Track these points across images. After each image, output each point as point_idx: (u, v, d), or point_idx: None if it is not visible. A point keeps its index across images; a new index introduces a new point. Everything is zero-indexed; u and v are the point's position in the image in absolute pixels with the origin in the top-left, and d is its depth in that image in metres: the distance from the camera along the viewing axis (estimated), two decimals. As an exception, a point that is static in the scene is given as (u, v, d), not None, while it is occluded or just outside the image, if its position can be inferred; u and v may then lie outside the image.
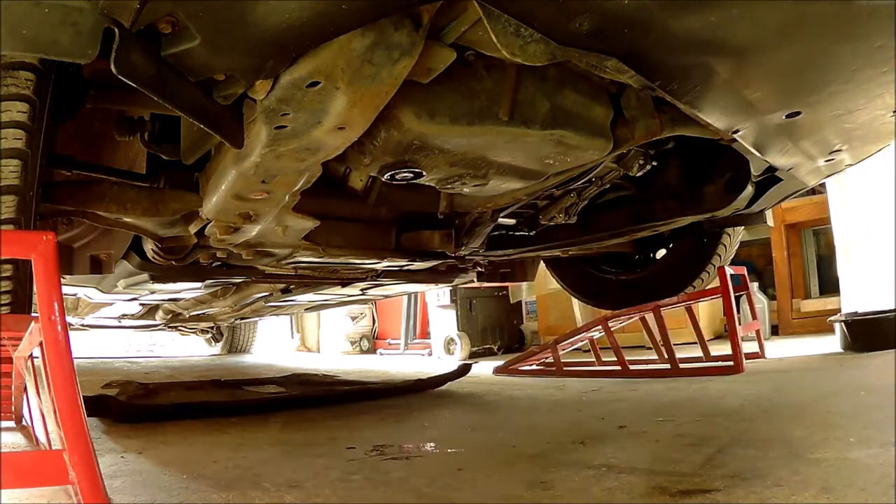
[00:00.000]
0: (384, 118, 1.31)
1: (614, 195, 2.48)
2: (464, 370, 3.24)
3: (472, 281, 3.26)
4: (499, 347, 5.39)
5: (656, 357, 3.30)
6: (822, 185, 3.49)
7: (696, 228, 2.75)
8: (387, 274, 2.77)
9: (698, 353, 3.16)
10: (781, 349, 3.65)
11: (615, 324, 3.33)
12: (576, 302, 4.72)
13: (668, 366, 3.00)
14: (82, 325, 4.41)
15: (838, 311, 3.51)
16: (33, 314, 1.08)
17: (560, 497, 1.20)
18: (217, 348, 6.44)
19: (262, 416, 2.42)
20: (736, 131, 1.58)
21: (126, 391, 2.72)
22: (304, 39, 1.02)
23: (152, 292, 2.85)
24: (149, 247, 2.04)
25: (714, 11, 1.06)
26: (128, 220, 1.75)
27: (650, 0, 1.02)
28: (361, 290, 3.20)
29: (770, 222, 2.67)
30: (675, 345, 3.06)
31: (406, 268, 2.57)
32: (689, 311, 3.21)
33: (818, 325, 4.12)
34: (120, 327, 4.81)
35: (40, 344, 0.96)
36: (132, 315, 3.90)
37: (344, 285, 2.95)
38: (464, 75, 1.33)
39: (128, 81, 0.96)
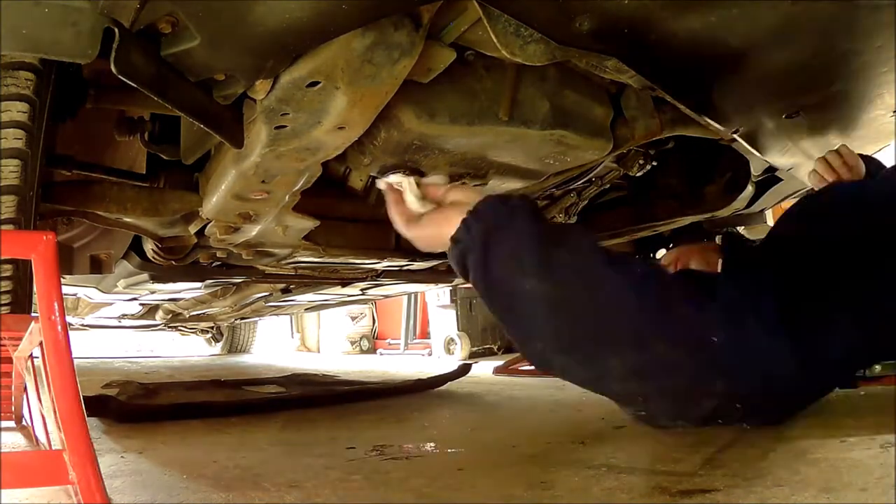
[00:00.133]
0: (384, 118, 1.31)
1: (614, 195, 2.48)
2: (464, 370, 3.24)
3: (472, 281, 3.25)
4: (499, 347, 5.39)
5: (656, 357, 3.29)
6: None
7: (696, 228, 2.75)
8: (387, 274, 2.76)
9: (698, 353, 3.15)
10: (781, 349, 3.63)
11: (615, 324, 3.32)
12: (576, 302, 4.71)
13: (668, 366, 2.99)
14: (82, 325, 4.41)
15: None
16: (33, 314, 1.08)
17: (560, 497, 1.20)
18: (217, 348, 6.43)
19: (262, 416, 2.42)
20: (736, 131, 1.58)
21: (126, 391, 2.72)
22: (304, 39, 1.02)
23: (152, 292, 2.85)
24: (149, 247, 2.04)
25: (714, 11, 1.06)
26: (128, 220, 1.75)
27: (650, 0, 1.02)
28: (361, 290, 3.20)
29: (770, 222, 2.67)
30: (675, 345, 3.05)
31: (406, 268, 2.56)
32: (689, 311, 3.20)
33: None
34: (120, 327, 4.81)
35: (40, 344, 0.95)
36: (132, 315, 3.90)
37: (344, 285, 2.95)
38: (464, 75, 1.33)
39: (128, 81, 0.96)
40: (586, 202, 2.27)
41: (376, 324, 6.51)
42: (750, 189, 2.16)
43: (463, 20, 1.13)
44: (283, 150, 1.31)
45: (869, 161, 1.63)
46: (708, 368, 0.87)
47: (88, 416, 0.91)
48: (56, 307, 0.90)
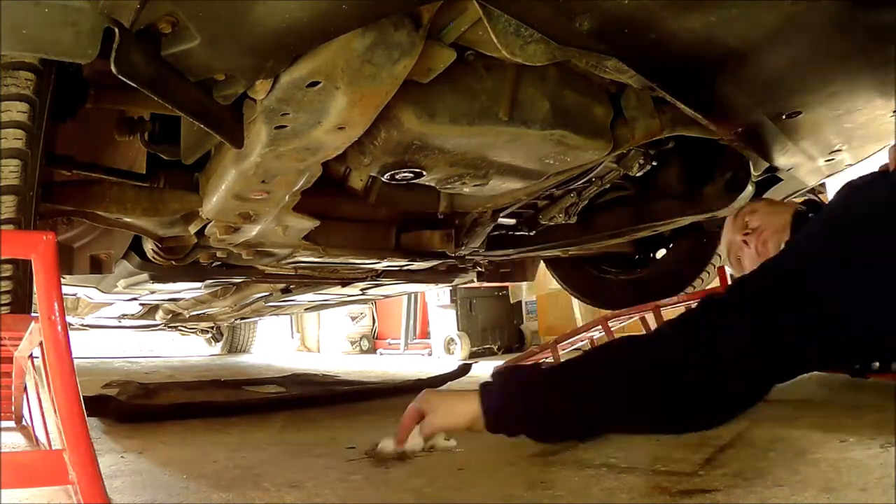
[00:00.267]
0: (384, 118, 1.31)
1: (614, 195, 2.48)
2: (464, 370, 3.24)
3: (472, 281, 3.25)
4: (499, 347, 5.39)
5: (656, 357, 3.29)
6: (822, 185, 3.48)
7: (696, 228, 2.75)
8: (387, 274, 2.76)
9: (698, 353, 3.15)
10: (781, 349, 3.63)
11: (615, 324, 3.32)
12: (576, 302, 4.72)
13: (668, 366, 2.99)
14: (82, 325, 4.41)
15: (838, 311, 3.50)
16: (33, 314, 1.08)
17: (560, 497, 1.20)
18: (217, 348, 6.43)
19: (262, 416, 2.42)
20: (736, 131, 1.58)
21: (126, 391, 2.72)
22: (304, 39, 1.02)
23: (152, 292, 2.85)
24: (149, 247, 2.04)
25: (714, 11, 1.06)
26: (128, 220, 1.75)
27: (650, 0, 1.02)
28: (361, 289, 3.20)
29: (770, 222, 2.67)
30: (675, 345, 3.05)
31: (406, 268, 2.56)
32: (690, 310, 3.20)
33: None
34: (120, 327, 4.81)
35: (40, 344, 0.95)
36: (132, 315, 3.90)
37: (344, 285, 2.95)
38: (464, 75, 1.33)
39: (128, 81, 0.96)
40: (586, 202, 2.27)
41: (376, 324, 6.51)
42: (750, 189, 2.16)
43: (463, 20, 1.13)
44: (283, 150, 1.31)
45: None
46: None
47: (88, 416, 0.91)
48: (56, 307, 0.90)
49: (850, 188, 1.08)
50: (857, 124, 1.64)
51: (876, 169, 1.23)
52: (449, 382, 3.08)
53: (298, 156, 1.36)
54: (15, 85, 1.23)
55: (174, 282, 2.41)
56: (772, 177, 2.11)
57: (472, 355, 5.04)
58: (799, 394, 2.22)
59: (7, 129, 1.23)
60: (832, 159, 1.93)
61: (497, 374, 1.03)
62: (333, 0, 0.93)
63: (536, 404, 0.96)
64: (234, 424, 2.23)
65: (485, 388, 0.99)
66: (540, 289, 5.30)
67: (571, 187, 2.06)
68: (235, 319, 4.99)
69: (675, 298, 3.05)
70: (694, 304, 0.97)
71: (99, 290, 2.60)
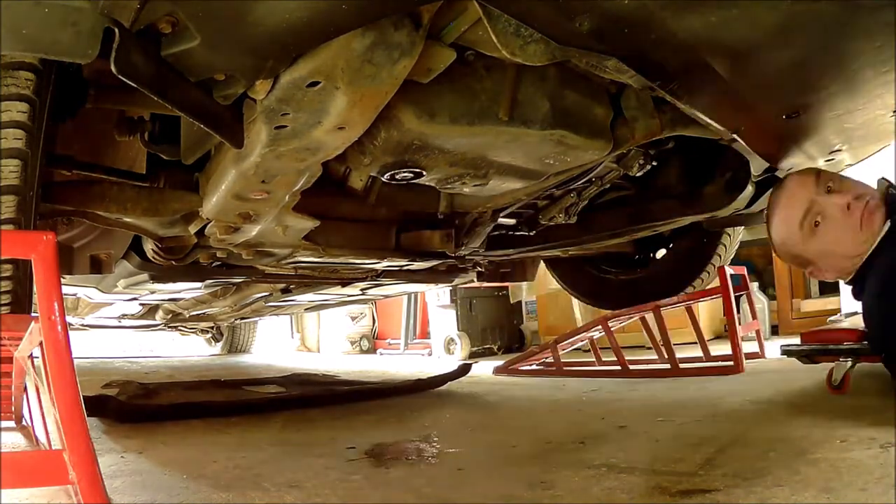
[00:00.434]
0: (384, 118, 1.31)
1: (614, 195, 2.48)
2: (464, 370, 3.24)
3: (472, 281, 3.25)
4: (499, 347, 5.39)
5: (656, 357, 3.29)
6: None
7: (697, 228, 2.75)
8: (387, 274, 2.76)
9: (698, 353, 3.16)
10: (781, 349, 3.64)
11: (615, 324, 3.33)
12: (576, 302, 4.72)
13: (668, 366, 3.00)
14: (82, 325, 4.41)
15: (838, 310, 3.51)
16: (33, 314, 1.08)
17: (560, 497, 1.20)
18: (217, 348, 6.43)
19: (262, 416, 2.42)
20: (736, 131, 1.58)
21: (126, 391, 2.72)
22: (304, 39, 1.02)
23: (152, 292, 2.85)
24: (149, 247, 2.04)
25: (714, 11, 1.06)
26: (128, 220, 1.75)
27: (650, 0, 1.02)
28: (361, 290, 3.20)
29: (770, 222, 2.67)
30: (675, 345, 3.05)
31: (406, 268, 2.56)
32: (689, 311, 3.21)
33: (818, 325, 4.11)
34: (120, 327, 4.81)
35: (40, 344, 0.95)
36: (132, 315, 3.90)
37: (344, 285, 2.95)
38: (464, 75, 1.33)
39: (128, 81, 0.96)
40: (586, 202, 2.27)
41: (376, 324, 6.50)
42: (750, 189, 2.16)
43: (463, 20, 1.13)
44: (283, 150, 1.31)
45: None
46: None
47: (88, 416, 0.91)
48: (56, 307, 0.90)
49: None
50: (857, 124, 1.64)
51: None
52: (449, 382, 3.08)
53: (298, 156, 1.36)
54: (15, 85, 1.23)
55: (174, 282, 2.41)
56: (772, 177, 2.11)
57: (472, 355, 5.04)
58: (799, 394, 2.22)
59: (7, 129, 1.23)
60: (832, 159, 1.93)
61: None
62: (333, 0, 0.93)
63: None
64: (234, 424, 2.23)
65: None
66: (540, 289, 5.29)
67: (571, 187, 2.06)
68: (235, 319, 4.99)
69: (675, 298, 3.06)
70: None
71: (99, 290, 2.60)
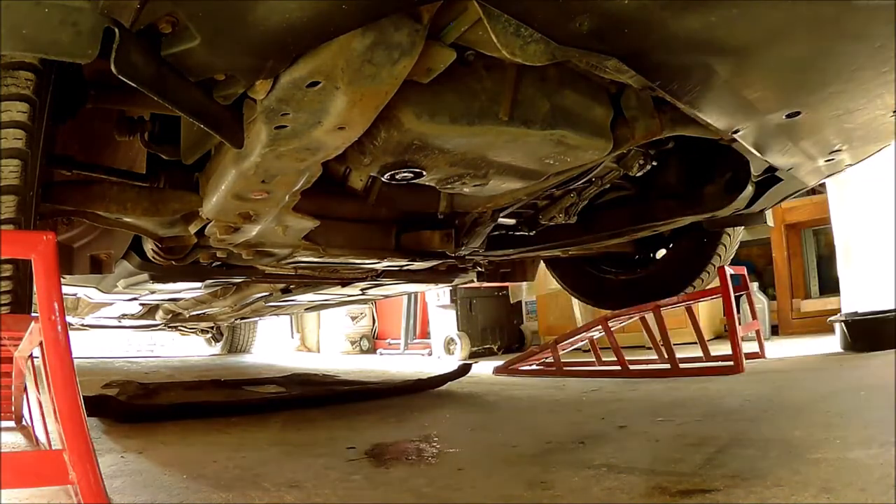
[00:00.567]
0: (384, 118, 1.31)
1: (614, 195, 2.48)
2: (464, 370, 3.24)
3: (472, 281, 3.26)
4: (499, 347, 5.39)
5: (656, 357, 3.30)
6: (822, 185, 3.49)
7: (696, 228, 2.75)
8: (387, 274, 2.76)
9: (698, 353, 3.16)
10: (781, 349, 3.65)
11: (615, 324, 3.33)
12: (576, 302, 4.72)
13: (668, 366, 3.00)
14: (82, 325, 4.41)
15: (838, 311, 3.51)
16: (33, 314, 1.08)
17: (560, 497, 1.20)
18: (217, 348, 6.43)
19: (262, 416, 2.42)
20: (736, 131, 1.58)
21: (126, 391, 2.72)
22: (304, 39, 1.02)
23: (152, 292, 2.85)
24: (149, 247, 2.04)
25: (714, 11, 1.06)
26: (128, 220, 1.75)
27: (650, 0, 1.02)
28: (361, 290, 3.20)
29: (770, 222, 2.67)
30: (675, 345, 3.06)
31: (406, 268, 2.57)
32: (689, 311, 3.21)
33: (818, 325, 4.12)
34: (120, 327, 4.81)
35: (40, 344, 0.96)
36: (132, 315, 3.90)
37: (344, 285, 2.95)
38: (464, 75, 1.33)
39: (128, 81, 0.96)
40: (586, 202, 2.27)
41: (376, 324, 6.51)
42: (750, 189, 2.16)
43: (463, 20, 1.13)
44: (283, 150, 1.31)
45: None
46: None
47: (88, 416, 0.91)
48: (56, 307, 0.90)
49: None
50: (857, 124, 1.64)
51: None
52: (449, 382, 3.08)
53: (298, 156, 1.36)
54: (15, 85, 1.23)
55: (174, 282, 2.41)
56: (772, 177, 2.11)
57: (472, 355, 5.04)
58: (799, 394, 2.22)
59: (7, 129, 1.23)
60: (832, 159, 1.93)
61: None
62: (333, 0, 0.93)
63: None
64: (234, 424, 2.23)
65: None
66: (540, 289, 5.30)
67: (571, 187, 2.06)
68: (235, 319, 4.99)
69: (675, 298, 3.06)
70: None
71: (99, 290, 2.60)
